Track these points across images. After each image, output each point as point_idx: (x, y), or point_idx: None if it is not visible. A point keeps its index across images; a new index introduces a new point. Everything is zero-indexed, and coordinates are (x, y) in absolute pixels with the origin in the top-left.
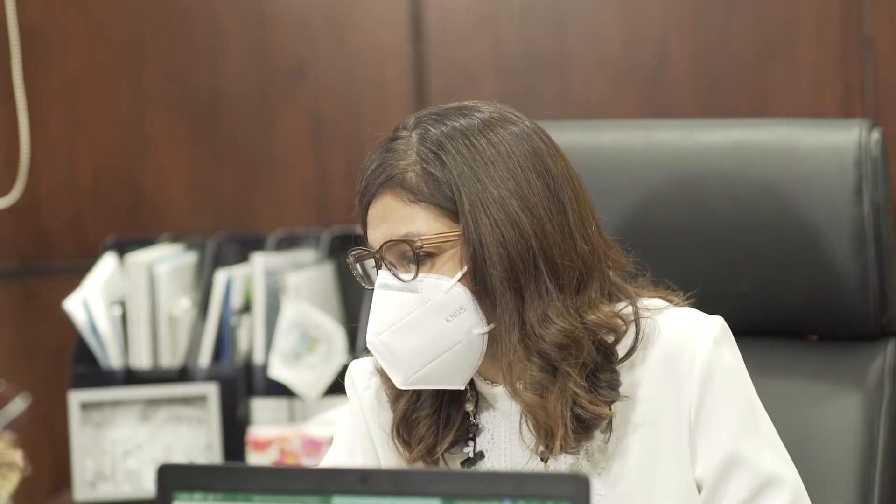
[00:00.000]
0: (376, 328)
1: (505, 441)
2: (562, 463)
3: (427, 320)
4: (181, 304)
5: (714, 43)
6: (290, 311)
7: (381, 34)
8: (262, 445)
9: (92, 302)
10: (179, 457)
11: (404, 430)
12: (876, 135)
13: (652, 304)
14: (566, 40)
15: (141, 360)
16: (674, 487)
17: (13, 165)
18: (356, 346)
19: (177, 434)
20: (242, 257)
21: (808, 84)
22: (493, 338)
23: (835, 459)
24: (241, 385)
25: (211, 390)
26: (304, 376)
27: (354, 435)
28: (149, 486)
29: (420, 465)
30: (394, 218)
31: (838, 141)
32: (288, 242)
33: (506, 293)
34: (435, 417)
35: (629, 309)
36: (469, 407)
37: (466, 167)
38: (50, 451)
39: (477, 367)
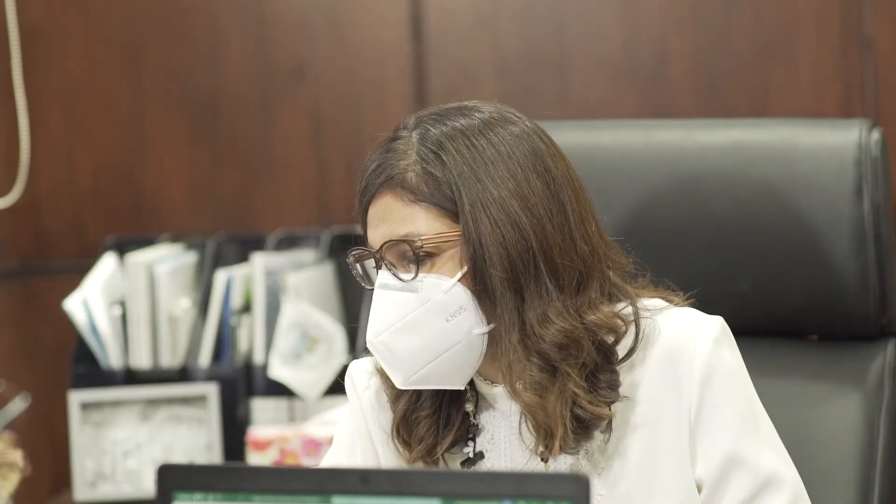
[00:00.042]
0: (376, 328)
1: (505, 441)
2: (562, 463)
3: (427, 320)
4: (181, 304)
5: (714, 43)
6: (290, 311)
7: (381, 34)
8: (262, 445)
9: (92, 302)
10: (179, 457)
11: (404, 430)
12: (876, 135)
13: (652, 304)
14: (566, 40)
15: (141, 360)
16: (674, 487)
17: (13, 165)
18: (356, 346)
19: (177, 434)
20: (242, 257)
21: (808, 84)
22: (492, 338)
23: (835, 459)
24: (241, 385)
25: (211, 390)
26: (304, 376)
27: (354, 435)
28: (149, 486)
29: (420, 465)
30: (394, 218)
31: (838, 141)
32: (288, 242)
33: (506, 293)
34: (435, 417)
35: (629, 309)
36: (469, 407)
37: (466, 167)
38: (50, 451)
39: (477, 367)
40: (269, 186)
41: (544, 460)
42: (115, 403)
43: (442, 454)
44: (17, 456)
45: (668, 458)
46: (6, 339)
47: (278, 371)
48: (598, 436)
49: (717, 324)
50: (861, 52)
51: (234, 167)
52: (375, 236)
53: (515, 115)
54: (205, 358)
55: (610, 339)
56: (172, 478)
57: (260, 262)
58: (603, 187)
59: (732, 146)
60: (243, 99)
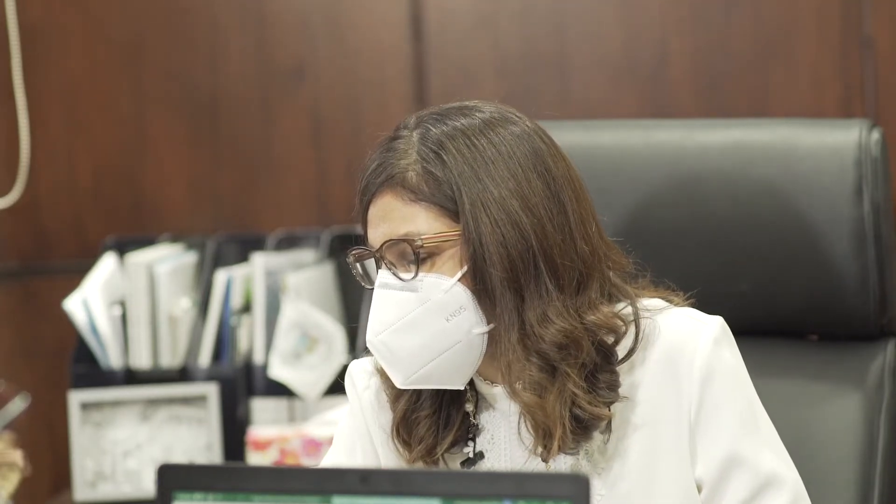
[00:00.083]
0: (376, 327)
1: (505, 441)
2: (561, 463)
3: (427, 320)
4: (181, 304)
5: (714, 43)
6: (290, 311)
7: (381, 34)
8: (262, 445)
9: (92, 302)
10: (179, 457)
11: (404, 430)
12: (876, 135)
13: (652, 304)
14: (566, 40)
15: (141, 360)
16: (674, 487)
17: (13, 165)
18: (356, 346)
19: (177, 434)
20: (242, 257)
21: (808, 84)
22: (492, 337)
23: (835, 459)
24: (241, 385)
25: (211, 390)
26: (304, 376)
27: (354, 435)
28: (149, 486)
29: (420, 465)
30: (394, 217)
31: (838, 141)
32: (288, 242)
33: (505, 293)
34: (435, 418)
35: (629, 309)
36: (469, 407)
37: (467, 167)
38: (50, 451)
39: (477, 367)
40: (269, 186)
41: (544, 461)
42: (115, 403)
43: (442, 454)
44: (17, 456)
45: (668, 459)
46: (6, 339)
47: (278, 371)
48: (597, 436)
49: (717, 324)
50: (861, 52)
51: (234, 167)
52: (375, 235)
53: (516, 115)
54: (205, 358)
55: (610, 339)
56: (172, 478)
57: (260, 262)
58: (603, 187)
59: (732, 146)
60: (243, 99)
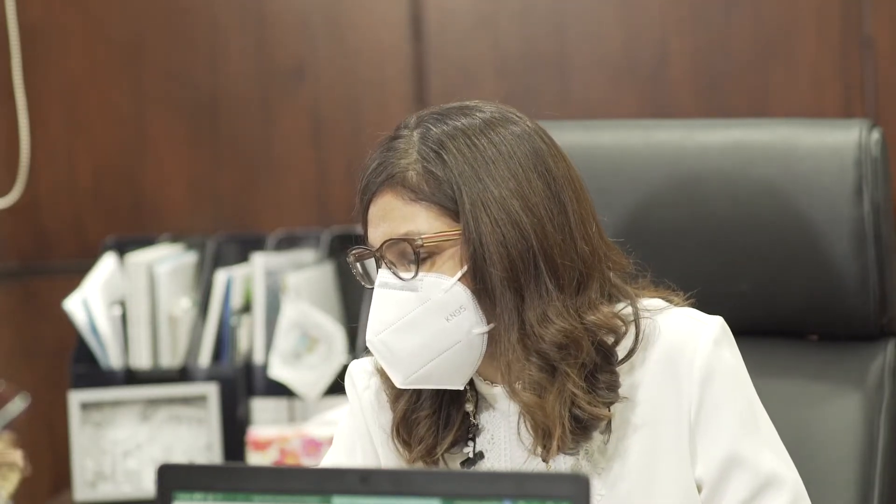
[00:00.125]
0: (376, 327)
1: (505, 441)
2: (561, 464)
3: (427, 319)
4: (181, 304)
5: (714, 43)
6: (290, 311)
7: (381, 34)
8: (262, 445)
9: (92, 302)
10: (179, 457)
11: (404, 430)
12: (876, 135)
13: (652, 304)
14: (566, 40)
15: (141, 360)
16: (674, 488)
17: (13, 165)
18: (356, 346)
19: (177, 434)
20: (242, 257)
21: (808, 84)
22: (492, 337)
23: (835, 459)
24: (241, 385)
25: (211, 390)
26: (304, 376)
27: (354, 435)
28: (149, 486)
29: (420, 465)
30: (394, 216)
31: (838, 141)
32: (288, 242)
33: (506, 293)
34: (435, 418)
35: (629, 310)
36: (469, 407)
37: (467, 166)
38: (50, 451)
39: (477, 367)
40: (269, 186)
41: (544, 461)
42: (115, 403)
43: (442, 454)
44: (17, 456)
45: (668, 459)
46: (6, 339)
47: (278, 371)
48: (597, 436)
49: (717, 324)
50: (861, 52)
51: (234, 167)
52: (376, 235)
53: (516, 115)
54: (205, 358)
55: (610, 339)
56: (172, 478)
57: (260, 262)
58: (603, 187)
59: (732, 146)
60: (243, 99)
